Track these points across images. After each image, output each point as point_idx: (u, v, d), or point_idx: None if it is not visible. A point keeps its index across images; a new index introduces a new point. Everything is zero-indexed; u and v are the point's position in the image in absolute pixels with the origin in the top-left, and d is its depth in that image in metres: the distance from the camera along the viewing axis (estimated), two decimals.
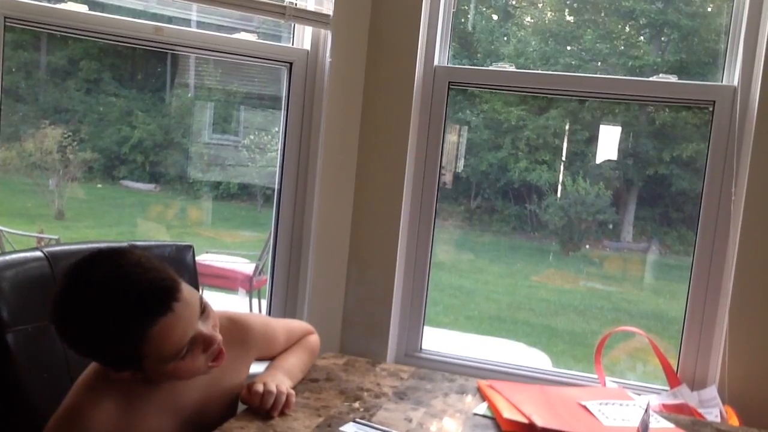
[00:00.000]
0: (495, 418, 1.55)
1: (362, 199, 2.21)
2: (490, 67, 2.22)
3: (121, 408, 1.22)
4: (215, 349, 1.24)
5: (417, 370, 1.80)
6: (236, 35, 2.12)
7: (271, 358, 1.61)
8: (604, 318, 3.78)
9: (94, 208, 3.88)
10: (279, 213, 2.22)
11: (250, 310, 3.44)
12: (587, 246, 3.81)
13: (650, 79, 2.10)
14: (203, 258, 3.53)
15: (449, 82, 2.20)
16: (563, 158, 3.74)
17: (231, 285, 3.54)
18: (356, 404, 1.55)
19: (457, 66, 2.24)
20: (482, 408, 1.60)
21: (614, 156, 3.62)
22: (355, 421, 1.46)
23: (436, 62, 2.20)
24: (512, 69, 2.19)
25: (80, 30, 1.92)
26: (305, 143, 2.19)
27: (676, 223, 3.66)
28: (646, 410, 1.34)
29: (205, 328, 1.22)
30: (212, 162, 3.58)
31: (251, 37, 2.13)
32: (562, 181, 3.80)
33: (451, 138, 3.05)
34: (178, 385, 1.31)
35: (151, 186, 3.83)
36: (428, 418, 1.51)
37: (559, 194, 3.78)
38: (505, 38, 3.43)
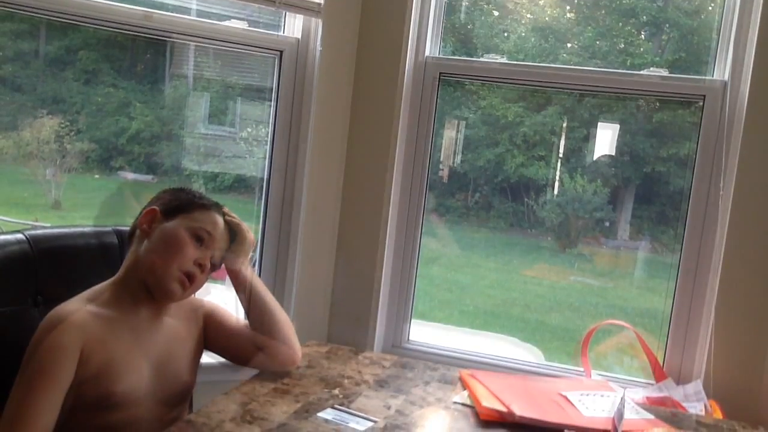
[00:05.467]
0: (474, 406, 1.55)
1: (351, 190, 2.21)
2: (481, 59, 2.22)
3: (103, 320, 1.36)
4: (193, 273, 1.43)
5: (399, 359, 1.81)
6: (226, 23, 2.11)
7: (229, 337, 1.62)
8: (599, 315, 3.76)
9: (90, 199, 3.87)
10: (267, 202, 2.22)
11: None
12: (583, 243, 3.79)
13: (641, 72, 2.10)
14: None
15: (440, 73, 2.20)
16: (560, 155, 3.73)
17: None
18: (336, 391, 1.55)
19: (447, 57, 2.24)
20: (462, 397, 1.60)
21: (612, 153, 3.60)
22: (333, 407, 1.46)
23: (426, 53, 2.20)
24: (502, 61, 2.19)
25: (69, 15, 1.91)
26: (294, 132, 2.19)
27: (673, 221, 3.64)
28: (622, 400, 1.34)
29: (206, 259, 1.46)
30: (210, 153, 3.58)
31: (242, 25, 2.12)
32: (560, 178, 3.79)
33: (449, 134, 3.05)
34: (149, 325, 1.45)
35: (149, 177, 3.83)
36: (407, 406, 1.51)
37: (556, 191, 3.76)
38: (506, 34, 3.42)
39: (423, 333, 2.33)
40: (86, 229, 1.63)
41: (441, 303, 3.74)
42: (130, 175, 3.71)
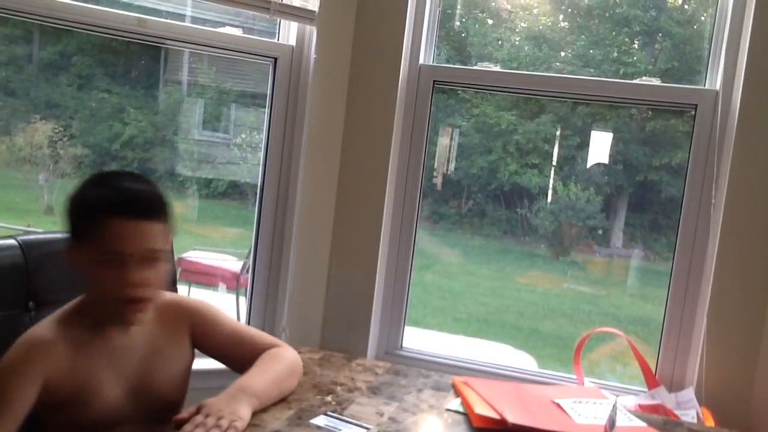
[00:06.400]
0: (467, 413, 1.55)
1: (345, 197, 2.21)
2: (475, 67, 2.22)
3: (72, 344, 1.31)
4: (135, 296, 1.28)
5: (392, 366, 1.80)
6: (220, 30, 2.11)
7: (223, 347, 1.53)
8: (592, 323, 3.76)
9: None
10: (261, 209, 2.22)
11: (237, 307, 3.43)
12: (577, 251, 3.80)
13: (634, 81, 2.11)
14: (190, 255, 3.53)
15: (434, 81, 2.20)
16: (554, 163, 3.74)
17: (217, 282, 3.54)
18: (329, 398, 1.55)
19: (441, 65, 2.25)
20: (455, 404, 1.60)
21: (605, 162, 3.62)
22: (326, 414, 1.46)
23: (421, 61, 2.21)
24: (497, 69, 2.20)
25: (63, 20, 1.91)
26: (288, 139, 2.19)
27: (665, 229, 3.65)
28: (614, 407, 1.34)
29: (142, 273, 1.28)
30: (204, 160, 3.57)
31: (237, 32, 2.13)
32: (553, 186, 3.80)
33: (443, 141, 3.06)
34: (122, 343, 1.38)
35: None
36: (400, 413, 1.51)
37: (549, 199, 3.77)
38: (500, 42, 3.44)
39: (417, 340, 2.33)
40: None
41: (434, 310, 3.74)
42: None
